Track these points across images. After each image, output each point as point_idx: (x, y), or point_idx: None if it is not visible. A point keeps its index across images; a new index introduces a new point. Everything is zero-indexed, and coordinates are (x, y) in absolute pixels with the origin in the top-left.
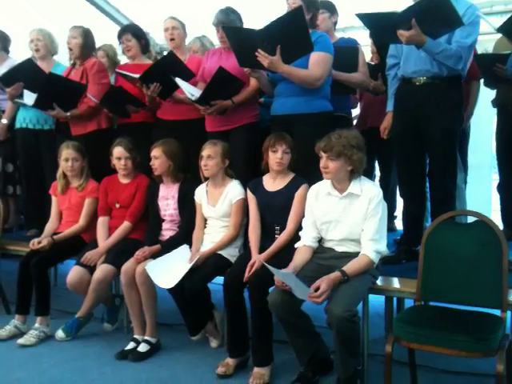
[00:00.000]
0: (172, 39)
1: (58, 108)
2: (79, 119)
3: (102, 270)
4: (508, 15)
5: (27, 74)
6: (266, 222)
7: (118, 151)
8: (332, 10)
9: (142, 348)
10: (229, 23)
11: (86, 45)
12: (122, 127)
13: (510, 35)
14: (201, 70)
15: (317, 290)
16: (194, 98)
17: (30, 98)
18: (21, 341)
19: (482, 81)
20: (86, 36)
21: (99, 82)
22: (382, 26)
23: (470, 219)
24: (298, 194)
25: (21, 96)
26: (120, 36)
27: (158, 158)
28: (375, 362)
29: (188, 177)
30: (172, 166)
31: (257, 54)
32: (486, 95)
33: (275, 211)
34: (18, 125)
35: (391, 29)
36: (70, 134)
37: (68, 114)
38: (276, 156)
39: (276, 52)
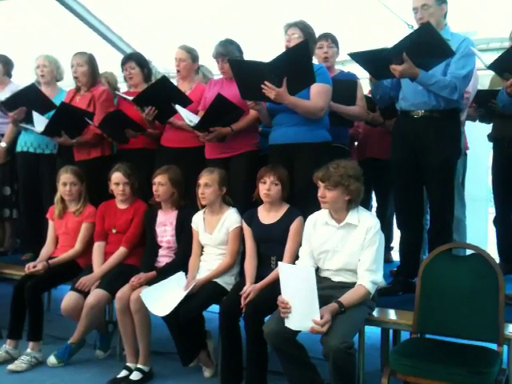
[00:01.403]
0: (178, 71)
1: (65, 135)
2: (84, 145)
3: (95, 295)
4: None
5: (30, 99)
6: (262, 252)
7: (116, 177)
8: (338, 47)
9: (135, 376)
10: (227, 54)
11: (93, 72)
12: (122, 153)
13: (500, 72)
14: (203, 99)
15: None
16: (192, 125)
17: (39, 124)
18: (11, 366)
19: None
20: (92, 62)
21: (106, 110)
22: (374, 63)
23: (468, 252)
24: (292, 228)
25: (28, 121)
26: (124, 63)
27: (163, 184)
28: None
29: (187, 204)
30: (176, 193)
31: (263, 86)
32: (482, 129)
33: (271, 243)
34: (18, 148)
35: (384, 64)
36: (71, 158)
37: (74, 140)
38: (264, 187)
39: (282, 84)
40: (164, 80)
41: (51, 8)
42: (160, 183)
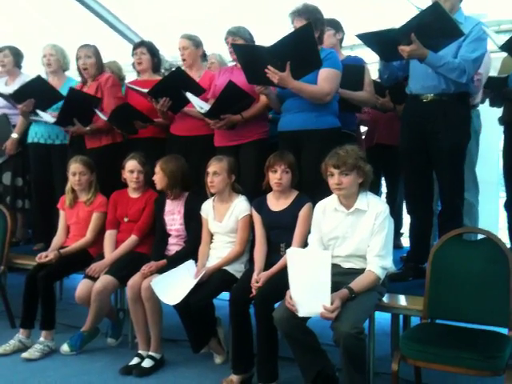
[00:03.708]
0: (183, 59)
1: (78, 123)
2: (97, 133)
3: (102, 280)
4: None
5: (38, 91)
6: (272, 239)
7: (131, 164)
8: (337, 28)
9: (147, 363)
10: (237, 33)
11: (99, 63)
12: (132, 142)
13: None
14: (212, 86)
15: None
16: (203, 111)
17: (48, 116)
18: (25, 355)
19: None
20: (98, 53)
21: (115, 95)
22: (382, 44)
23: (478, 236)
24: (301, 214)
25: (34, 113)
26: (135, 48)
27: (156, 173)
28: (381, 381)
29: (194, 192)
30: (168, 183)
31: (266, 70)
32: (493, 112)
33: (280, 231)
34: (29, 139)
35: (392, 45)
36: (82, 148)
37: (88, 128)
38: (275, 176)
39: (286, 68)
40: (179, 71)
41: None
42: (155, 172)
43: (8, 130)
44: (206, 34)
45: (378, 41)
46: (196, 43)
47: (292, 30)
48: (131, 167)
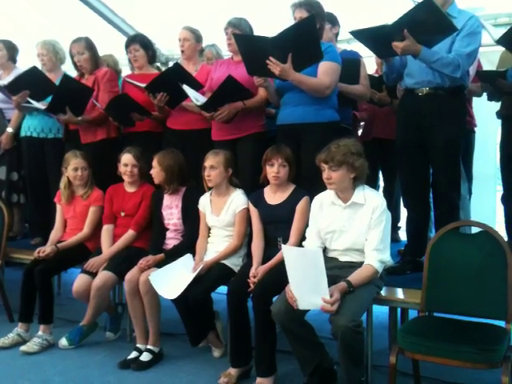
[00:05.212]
0: (182, 51)
1: (69, 112)
2: (89, 127)
3: (102, 276)
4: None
5: (33, 82)
6: (269, 233)
7: (126, 158)
8: (333, 22)
9: (145, 357)
10: (238, 26)
11: (94, 56)
12: (129, 136)
13: (509, 47)
14: (209, 80)
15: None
16: (199, 104)
17: (39, 103)
18: (23, 348)
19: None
20: (91, 47)
21: (111, 90)
22: (376, 40)
23: (475, 230)
24: (299, 208)
25: (28, 103)
26: (128, 45)
27: (154, 167)
28: (379, 374)
29: (192, 186)
30: (165, 177)
31: (268, 61)
32: (490, 106)
33: (277, 224)
34: (22, 133)
35: (386, 42)
36: (78, 143)
37: (79, 118)
38: (272, 170)
39: (287, 60)
40: (177, 66)
41: None
42: (153, 166)
43: (3, 125)
44: (206, 33)
45: (371, 37)
46: (197, 37)
47: (293, 22)
48: (126, 161)
